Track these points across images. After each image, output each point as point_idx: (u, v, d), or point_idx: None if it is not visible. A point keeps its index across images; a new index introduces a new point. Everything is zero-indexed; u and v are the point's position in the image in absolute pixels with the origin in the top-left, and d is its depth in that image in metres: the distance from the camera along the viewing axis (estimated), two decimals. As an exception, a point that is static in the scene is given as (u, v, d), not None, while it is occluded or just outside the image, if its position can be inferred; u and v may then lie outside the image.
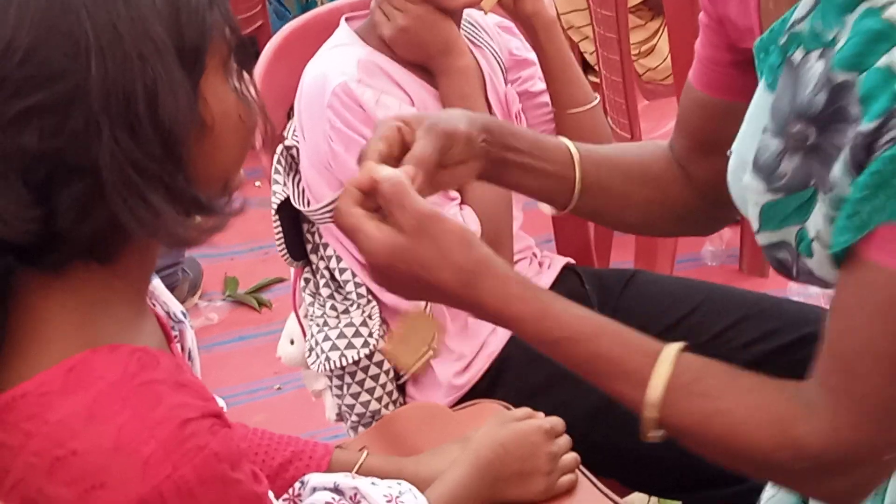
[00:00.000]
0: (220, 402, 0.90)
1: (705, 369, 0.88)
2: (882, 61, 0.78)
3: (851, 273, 0.82)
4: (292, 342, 1.77)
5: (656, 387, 0.87)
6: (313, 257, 1.70)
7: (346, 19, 1.67)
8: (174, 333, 1.01)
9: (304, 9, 3.79)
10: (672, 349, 0.88)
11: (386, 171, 0.90)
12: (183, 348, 1.02)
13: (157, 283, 1.00)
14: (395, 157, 0.95)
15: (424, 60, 1.61)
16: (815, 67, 0.85)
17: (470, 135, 0.99)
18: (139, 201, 0.76)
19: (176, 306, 1.02)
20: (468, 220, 1.56)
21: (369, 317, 1.61)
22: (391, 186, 0.89)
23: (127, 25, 0.75)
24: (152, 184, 0.77)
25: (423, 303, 0.91)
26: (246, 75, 0.87)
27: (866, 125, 0.79)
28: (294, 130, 1.68)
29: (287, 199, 1.63)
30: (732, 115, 1.00)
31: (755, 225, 0.92)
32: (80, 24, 0.74)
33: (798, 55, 0.87)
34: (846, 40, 0.82)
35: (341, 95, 1.53)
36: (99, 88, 0.74)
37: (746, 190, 0.92)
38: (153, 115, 0.76)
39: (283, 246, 1.65)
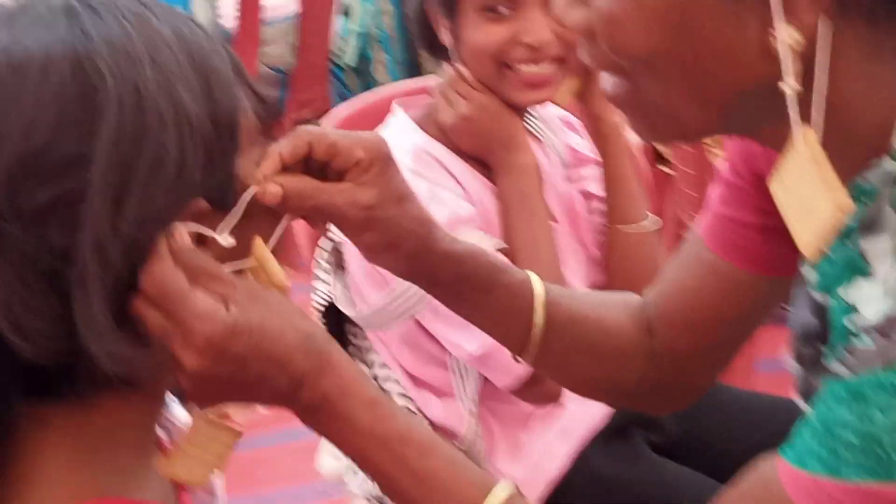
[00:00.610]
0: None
1: None
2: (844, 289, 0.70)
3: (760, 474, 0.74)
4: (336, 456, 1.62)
5: None
6: (357, 362, 1.56)
7: (401, 105, 1.56)
8: None
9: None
10: (503, 491, 0.77)
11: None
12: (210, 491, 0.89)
13: (177, 411, 0.87)
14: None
15: (484, 153, 1.51)
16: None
17: (364, 163, 0.82)
18: (84, 298, 0.64)
19: None
20: None
21: None
22: (214, 269, 0.72)
23: (150, 90, 0.66)
24: (104, 284, 0.65)
25: (211, 409, 0.75)
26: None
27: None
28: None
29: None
30: (743, 290, 0.92)
31: None
32: (103, 94, 0.65)
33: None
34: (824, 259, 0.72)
35: None
36: (104, 148, 0.64)
37: None
38: (146, 189, 0.65)
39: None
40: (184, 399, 0.75)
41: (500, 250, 1.45)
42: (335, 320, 1.54)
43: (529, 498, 1.45)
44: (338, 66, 4.04)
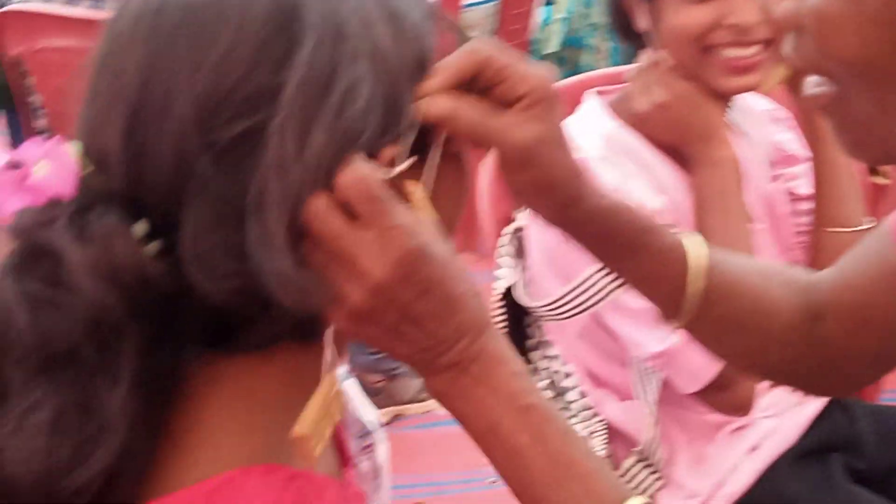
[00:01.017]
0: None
1: None
2: None
3: None
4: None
5: None
6: (534, 355, 1.54)
7: (599, 93, 1.50)
8: (366, 442, 0.84)
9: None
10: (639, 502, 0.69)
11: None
12: (374, 463, 0.86)
13: (348, 385, 0.84)
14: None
15: (680, 144, 1.44)
16: None
17: (531, 97, 0.73)
18: (261, 218, 0.61)
19: (369, 414, 0.86)
20: None
21: (591, 433, 1.44)
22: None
23: (351, 19, 0.64)
24: (283, 205, 0.62)
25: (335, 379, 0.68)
26: None
27: None
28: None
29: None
30: None
31: None
32: (299, 25, 0.63)
33: None
34: None
35: None
36: (298, 76, 0.62)
37: None
38: (335, 118, 0.63)
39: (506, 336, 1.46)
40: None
41: None
42: (513, 310, 1.50)
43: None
44: (537, 55, 4.00)
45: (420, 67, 0.68)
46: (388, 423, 2.78)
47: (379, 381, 2.80)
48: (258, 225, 0.61)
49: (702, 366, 1.33)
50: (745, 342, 0.95)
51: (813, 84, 0.71)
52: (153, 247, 0.62)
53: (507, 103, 0.72)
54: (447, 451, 2.65)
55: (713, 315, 0.91)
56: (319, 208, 0.63)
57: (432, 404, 2.83)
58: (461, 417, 0.70)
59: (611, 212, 0.86)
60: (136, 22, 0.65)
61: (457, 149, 0.70)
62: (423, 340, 0.67)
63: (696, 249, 0.90)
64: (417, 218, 0.66)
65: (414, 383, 2.84)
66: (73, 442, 0.61)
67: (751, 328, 0.94)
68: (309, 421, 0.66)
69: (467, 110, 0.70)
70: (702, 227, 1.41)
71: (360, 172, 0.63)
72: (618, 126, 1.45)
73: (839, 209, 1.47)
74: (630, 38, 1.48)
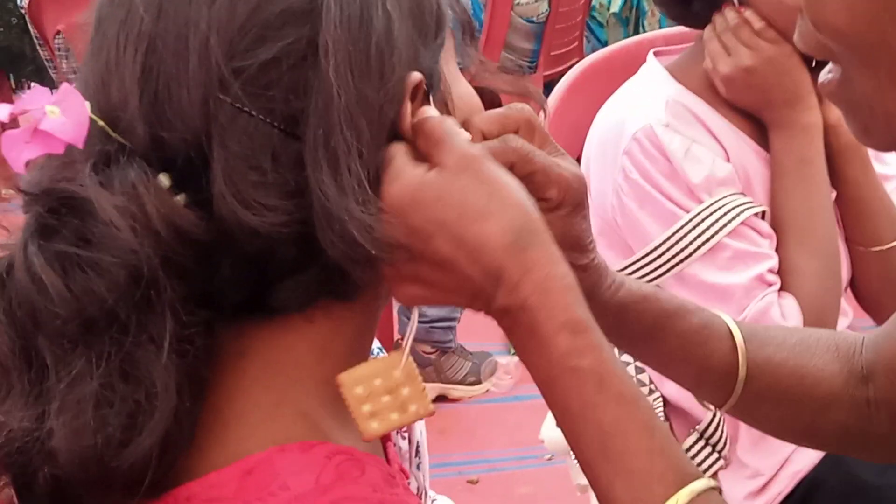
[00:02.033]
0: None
1: None
2: None
3: None
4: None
5: None
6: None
7: (655, 54, 1.43)
8: None
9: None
10: (701, 484, 0.64)
11: (433, 112, 0.66)
12: (410, 441, 0.82)
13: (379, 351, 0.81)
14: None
15: (760, 109, 1.37)
16: None
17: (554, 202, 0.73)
18: (328, 161, 0.59)
19: None
20: (789, 313, 1.29)
21: None
22: (436, 122, 0.64)
23: None
24: (357, 148, 0.60)
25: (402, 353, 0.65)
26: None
27: None
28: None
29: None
30: None
31: None
32: None
33: None
34: None
35: (643, 141, 1.32)
36: (332, 15, 0.60)
37: None
38: (384, 60, 0.61)
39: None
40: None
41: (762, 216, 1.32)
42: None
43: (771, 492, 1.33)
44: (597, 21, 3.92)
45: (439, 12, 0.66)
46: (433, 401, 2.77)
47: (430, 353, 2.78)
48: (329, 168, 0.58)
49: None
50: (791, 414, 0.91)
51: (825, 73, 0.68)
52: (181, 199, 0.58)
53: (533, 192, 0.69)
54: (503, 427, 2.63)
55: (753, 390, 0.87)
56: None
57: (477, 390, 2.82)
58: (525, 364, 0.65)
59: (630, 300, 0.82)
60: None
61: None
62: (462, 286, 0.63)
63: (732, 328, 0.87)
64: (440, 150, 0.62)
65: (465, 365, 2.81)
66: (123, 413, 0.57)
67: (794, 399, 0.90)
68: (356, 374, 0.63)
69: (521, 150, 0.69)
70: (779, 194, 1.34)
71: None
72: (680, 90, 1.38)
73: (866, 227, 1.39)
74: (676, 9, 1.40)
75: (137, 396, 0.57)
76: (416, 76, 0.63)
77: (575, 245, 0.75)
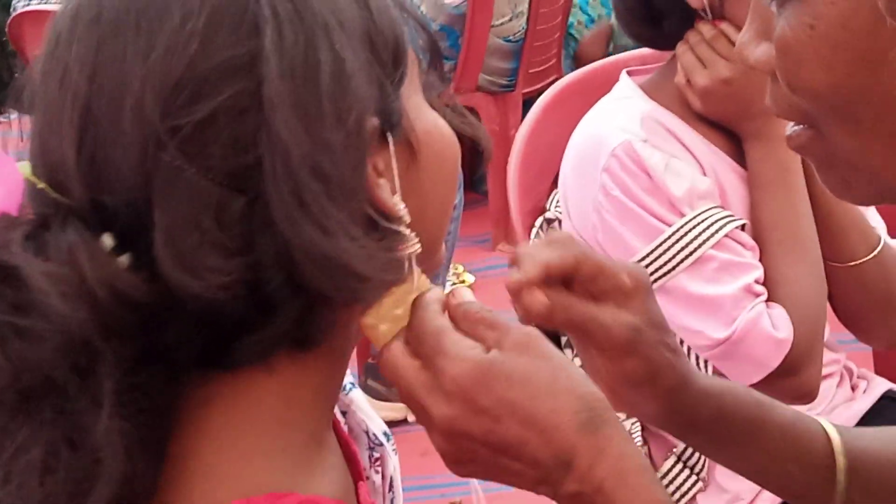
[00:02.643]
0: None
1: None
2: None
3: None
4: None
5: None
6: (567, 352, 1.46)
7: (629, 73, 1.43)
8: (375, 455, 0.79)
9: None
10: None
11: (468, 294, 0.67)
12: (384, 475, 0.81)
13: (355, 396, 0.80)
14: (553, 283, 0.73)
15: (737, 120, 1.36)
16: None
17: (628, 289, 0.75)
18: (306, 214, 0.56)
19: (377, 425, 0.81)
20: (779, 323, 1.28)
21: (630, 433, 1.34)
22: (482, 310, 0.64)
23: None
24: (327, 192, 0.57)
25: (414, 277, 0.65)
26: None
27: None
28: (557, 201, 1.46)
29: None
30: None
31: None
32: None
33: None
34: None
35: (622, 157, 1.31)
36: (273, 64, 0.57)
37: None
38: (339, 102, 0.58)
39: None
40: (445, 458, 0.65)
41: (742, 228, 1.31)
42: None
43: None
44: (574, 38, 3.93)
45: (397, 43, 0.63)
46: (411, 425, 2.73)
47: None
48: (307, 219, 0.56)
49: (768, 351, 1.27)
50: None
51: (791, 126, 0.67)
52: (124, 259, 0.57)
53: (600, 295, 0.72)
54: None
55: (859, 486, 0.84)
56: (390, 358, 0.61)
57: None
58: None
59: (724, 391, 0.81)
60: (74, 19, 0.59)
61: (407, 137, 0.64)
62: (528, 471, 0.62)
63: (826, 424, 0.84)
64: (496, 333, 0.62)
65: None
66: (69, 480, 0.55)
67: None
68: (379, 312, 0.63)
69: (567, 303, 0.71)
70: (760, 206, 1.33)
71: (418, 314, 0.62)
72: (653, 106, 1.37)
73: (840, 243, 1.37)
74: (646, 31, 1.40)
75: (83, 463, 0.55)
76: (372, 121, 0.61)
77: (663, 326, 0.76)
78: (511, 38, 3.53)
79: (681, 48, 1.36)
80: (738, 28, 1.30)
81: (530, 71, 3.58)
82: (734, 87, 1.32)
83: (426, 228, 0.65)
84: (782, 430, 0.82)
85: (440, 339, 0.61)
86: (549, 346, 0.62)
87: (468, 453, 0.62)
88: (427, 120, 0.66)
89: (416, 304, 0.62)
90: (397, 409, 2.71)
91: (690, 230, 1.29)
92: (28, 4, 2.56)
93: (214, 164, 0.56)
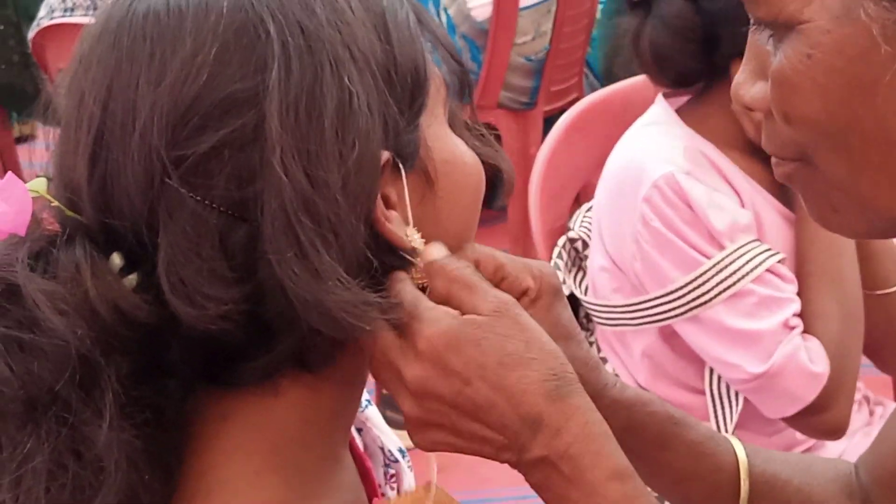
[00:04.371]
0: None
1: None
2: None
3: None
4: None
5: None
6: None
7: (665, 96, 1.42)
8: (390, 472, 0.82)
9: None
10: None
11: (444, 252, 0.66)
12: (399, 492, 0.84)
13: (371, 413, 0.80)
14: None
15: None
16: None
17: (532, 291, 0.73)
18: (297, 254, 0.57)
19: (392, 442, 0.81)
20: (815, 357, 1.27)
21: None
22: (462, 267, 0.64)
23: (319, 26, 0.59)
24: (320, 233, 0.57)
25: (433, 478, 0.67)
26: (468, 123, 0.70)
27: None
28: (581, 220, 1.45)
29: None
30: None
31: None
32: (263, 28, 0.58)
33: None
34: None
35: (664, 189, 1.30)
36: (276, 100, 0.57)
37: None
38: (341, 138, 0.58)
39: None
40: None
41: (781, 262, 1.31)
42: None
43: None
44: (597, 57, 3.92)
45: (417, 71, 0.63)
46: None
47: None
48: (298, 257, 0.57)
49: (804, 385, 1.26)
50: None
51: (777, 161, 0.68)
52: (132, 279, 0.58)
53: (509, 287, 0.69)
54: (502, 466, 2.59)
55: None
56: (374, 330, 0.60)
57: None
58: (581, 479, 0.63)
59: (637, 401, 0.80)
60: (96, 42, 0.61)
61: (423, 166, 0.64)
62: (495, 436, 0.62)
63: (735, 445, 0.85)
64: (475, 297, 0.62)
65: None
66: (74, 488, 0.56)
67: None
68: None
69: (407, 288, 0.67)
70: (804, 237, 1.32)
71: (395, 284, 0.61)
72: (693, 135, 1.36)
73: (871, 270, 1.37)
74: (696, 65, 1.35)
75: (87, 472, 0.56)
76: (384, 155, 0.61)
77: (568, 334, 0.74)
78: (532, 57, 3.53)
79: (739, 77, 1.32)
80: None
81: (552, 89, 3.58)
82: None
83: (455, 233, 0.65)
84: (691, 447, 0.82)
85: (416, 305, 0.61)
86: (524, 314, 0.63)
87: (436, 415, 0.62)
88: (447, 149, 0.66)
89: (392, 278, 0.63)
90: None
91: (730, 263, 1.28)
92: (53, 18, 2.58)
93: (218, 193, 0.57)
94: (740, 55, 1.26)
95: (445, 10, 3.44)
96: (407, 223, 0.62)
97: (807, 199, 0.67)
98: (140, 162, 0.58)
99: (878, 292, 1.37)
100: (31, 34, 2.63)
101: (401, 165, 0.62)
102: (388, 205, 0.62)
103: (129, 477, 0.57)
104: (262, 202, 0.57)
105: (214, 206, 0.57)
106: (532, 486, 0.63)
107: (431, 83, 0.64)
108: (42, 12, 2.64)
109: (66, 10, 2.74)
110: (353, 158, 0.58)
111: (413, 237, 0.62)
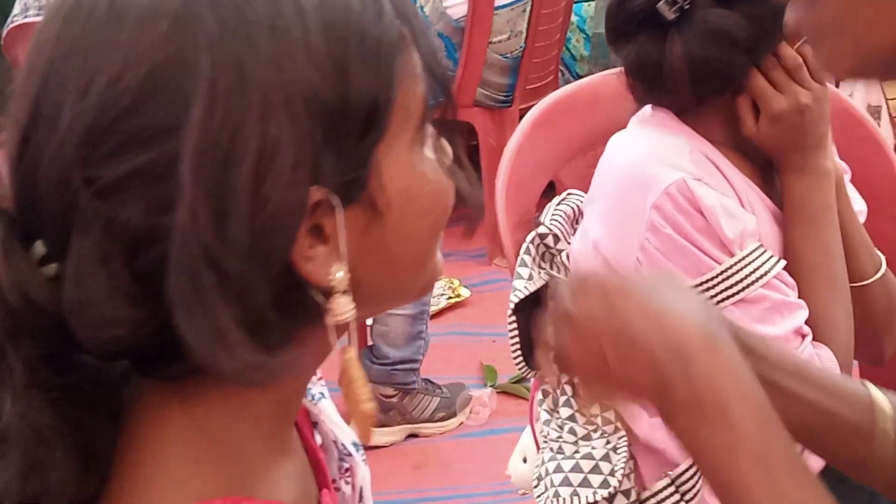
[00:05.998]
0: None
1: None
2: None
3: None
4: (525, 460, 1.53)
5: None
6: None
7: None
8: (345, 466, 0.81)
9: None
10: None
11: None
12: (353, 486, 0.83)
13: (324, 406, 0.80)
14: None
15: (787, 152, 1.32)
16: None
17: None
18: (197, 307, 0.56)
19: (346, 436, 0.82)
20: (827, 364, 1.28)
21: (614, 449, 1.35)
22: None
23: (257, 65, 0.56)
24: (223, 291, 0.56)
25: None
26: (445, 143, 0.67)
27: None
28: (552, 214, 1.44)
29: (527, 297, 1.39)
30: None
31: None
32: (197, 61, 0.56)
33: None
34: None
35: (677, 197, 1.25)
36: (192, 143, 0.55)
37: None
38: (256, 193, 0.56)
39: (519, 351, 1.40)
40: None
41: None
42: (525, 320, 1.42)
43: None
44: (571, 54, 3.94)
45: (373, 103, 0.60)
46: (403, 440, 2.72)
47: (392, 396, 2.72)
48: (202, 318, 0.55)
49: None
50: None
51: (790, 8, 0.68)
52: (51, 269, 0.57)
53: None
54: (480, 461, 2.60)
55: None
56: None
57: (450, 425, 2.78)
58: (697, 455, 0.69)
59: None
60: (46, 24, 0.60)
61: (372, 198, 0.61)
62: (645, 372, 0.69)
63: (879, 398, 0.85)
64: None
65: (432, 402, 2.76)
66: None
67: None
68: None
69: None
70: (801, 240, 1.31)
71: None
72: (692, 135, 1.32)
73: (851, 263, 1.35)
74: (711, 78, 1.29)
75: None
76: (316, 194, 0.58)
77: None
78: (508, 55, 3.54)
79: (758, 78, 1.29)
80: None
81: (527, 87, 3.59)
82: (806, 116, 1.28)
83: (397, 277, 0.64)
84: (821, 381, 0.85)
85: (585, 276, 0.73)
86: (686, 286, 0.72)
87: (594, 347, 0.70)
88: (409, 176, 0.62)
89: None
90: (394, 433, 2.72)
91: (741, 269, 1.26)
92: (27, 17, 2.58)
93: (129, 216, 0.56)
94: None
95: (421, 7, 3.45)
96: (339, 259, 0.60)
97: (813, 44, 0.68)
98: (58, 169, 0.57)
99: (857, 284, 1.36)
100: (4, 30, 2.62)
101: (335, 203, 0.59)
102: (322, 237, 0.59)
103: (34, 451, 0.57)
104: (170, 241, 0.55)
105: (123, 228, 0.56)
106: (675, 432, 0.69)
107: (399, 110, 0.61)
108: (16, 9, 2.63)
109: (40, 9, 2.73)
110: (267, 215, 0.56)
111: (335, 276, 0.59)
